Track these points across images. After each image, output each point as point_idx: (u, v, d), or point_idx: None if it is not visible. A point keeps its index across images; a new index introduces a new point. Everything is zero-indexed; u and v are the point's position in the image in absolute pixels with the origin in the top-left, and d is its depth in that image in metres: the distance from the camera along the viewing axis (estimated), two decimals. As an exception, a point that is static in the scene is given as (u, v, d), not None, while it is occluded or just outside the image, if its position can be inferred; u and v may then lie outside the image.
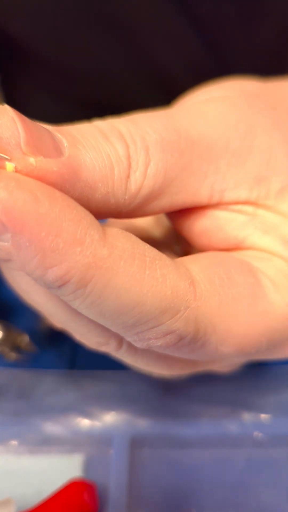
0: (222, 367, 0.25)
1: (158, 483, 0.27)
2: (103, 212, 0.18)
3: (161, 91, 0.48)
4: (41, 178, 0.16)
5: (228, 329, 0.18)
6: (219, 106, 0.21)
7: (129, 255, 0.16)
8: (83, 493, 0.25)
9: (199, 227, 0.21)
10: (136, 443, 0.28)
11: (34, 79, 0.52)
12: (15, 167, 0.16)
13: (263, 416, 0.28)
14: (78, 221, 0.15)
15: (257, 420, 0.28)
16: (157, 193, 0.19)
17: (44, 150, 0.16)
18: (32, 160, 0.16)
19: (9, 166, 0.16)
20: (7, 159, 0.16)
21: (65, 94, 0.52)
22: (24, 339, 0.31)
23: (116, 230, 0.17)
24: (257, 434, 0.28)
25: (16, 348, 0.31)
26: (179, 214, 0.22)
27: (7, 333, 0.31)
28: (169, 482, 0.27)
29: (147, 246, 0.17)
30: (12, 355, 0.31)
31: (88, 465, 0.28)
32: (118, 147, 0.18)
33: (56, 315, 0.21)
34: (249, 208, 0.21)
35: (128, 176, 0.18)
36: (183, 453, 0.28)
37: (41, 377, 0.30)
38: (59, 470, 0.27)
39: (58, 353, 0.31)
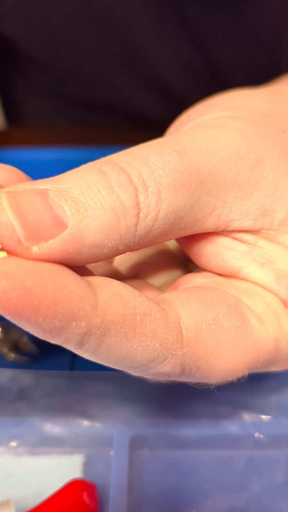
0: None
1: (158, 483, 0.27)
2: (112, 257, 0.19)
3: (154, 92, 0.48)
4: (47, 260, 0.17)
5: (211, 368, 0.20)
6: (230, 136, 0.21)
7: (120, 318, 0.17)
8: (83, 494, 0.25)
9: (200, 249, 0.22)
10: (136, 443, 0.28)
11: (30, 79, 0.52)
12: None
13: (264, 417, 0.28)
14: (70, 299, 0.16)
15: (257, 421, 0.28)
16: (167, 231, 0.19)
17: (45, 232, 0.17)
18: (35, 248, 0.17)
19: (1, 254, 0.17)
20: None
21: (61, 94, 0.52)
22: (24, 340, 0.31)
23: (108, 293, 0.17)
24: (258, 435, 0.28)
25: (16, 349, 0.31)
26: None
27: (7, 333, 0.31)
28: (169, 483, 0.27)
29: (139, 300, 0.18)
30: (12, 356, 0.31)
31: (88, 466, 0.28)
32: (124, 197, 0.18)
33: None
34: (251, 238, 0.21)
35: (136, 224, 0.18)
36: (183, 454, 0.28)
37: (41, 377, 0.30)
38: (59, 470, 0.27)
39: (58, 354, 0.31)
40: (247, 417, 0.28)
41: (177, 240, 0.23)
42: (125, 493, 0.26)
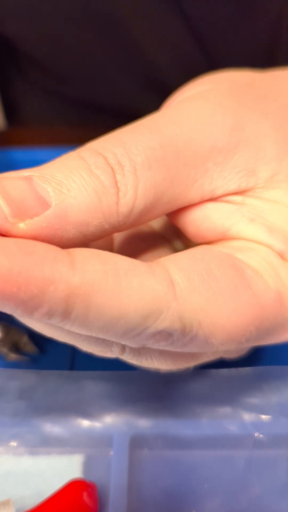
0: (228, 354, 0.25)
1: (158, 483, 0.27)
2: (100, 236, 0.19)
3: (154, 91, 0.48)
4: (35, 236, 0.18)
5: (213, 323, 0.19)
6: (204, 105, 0.21)
7: (102, 273, 0.17)
8: (83, 494, 0.25)
9: (188, 217, 0.22)
10: (136, 443, 0.28)
11: (29, 79, 0.52)
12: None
13: (264, 416, 0.28)
14: (41, 263, 0.16)
15: (257, 421, 0.28)
16: (150, 208, 0.20)
17: (31, 210, 0.18)
18: (22, 225, 0.18)
19: None
20: None
21: (60, 94, 0.52)
22: (24, 340, 0.31)
23: (84, 252, 0.18)
24: (258, 434, 0.28)
25: (16, 349, 0.31)
26: None
27: (7, 333, 0.31)
28: (169, 483, 0.27)
29: (120, 258, 0.18)
30: (12, 356, 0.31)
31: (88, 466, 0.28)
32: (103, 178, 0.18)
33: (55, 336, 0.22)
34: (237, 198, 0.22)
35: (117, 202, 0.19)
36: (183, 454, 0.28)
37: (41, 377, 0.30)
38: (59, 470, 0.27)
39: (58, 354, 0.31)
40: (247, 417, 0.28)
41: (168, 215, 0.23)
42: (125, 493, 0.26)
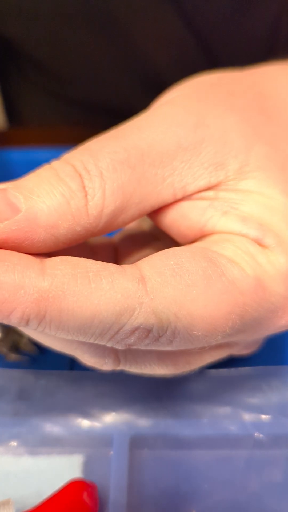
0: (235, 351, 0.25)
1: (158, 483, 0.27)
2: (75, 239, 0.20)
3: (154, 91, 0.48)
4: (5, 240, 0.19)
5: (191, 314, 0.19)
6: (168, 108, 0.23)
7: (71, 277, 0.18)
8: (83, 494, 0.25)
9: (168, 219, 0.23)
10: (136, 443, 0.28)
11: (29, 79, 0.52)
12: None
13: (264, 416, 0.28)
14: (12, 269, 0.18)
15: (257, 421, 0.28)
16: (121, 208, 0.21)
17: (1, 215, 0.19)
18: None
19: None
20: None
21: (60, 94, 0.52)
22: (24, 340, 0.31)
23: (55, 259, 0.19)
24: (258, 434, 0.28)
25: (16, 349, 0.31)
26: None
27: (7, 333, 0.31)
28: (169, 483, 0.27)
29: (91, 262, 0.19)
30: (12, 356, 0.31)
31: (88, 466, 0.28)
32: (71, 183, 0.20)
33: (50, 345, 0.24)
34: (210, 193, 0.22)
35: (86, 204, 0.20)
36: (183, 454, 0.28)
37: (41, 377, 0.30)
38: (59, 470, 0.27)
39: (58, 354, 0.31)
40: (247, 417, 0.28)
41: (150, 217, 0.24)
42: (125, 493, 0.26)
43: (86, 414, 0.28)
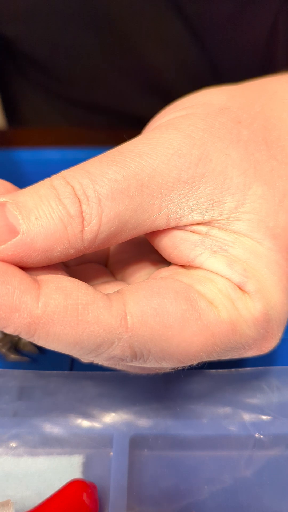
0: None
1: (158, 484, 0.27)
2: (66, 259, 0.21)
3: (153, 91, 0.49)
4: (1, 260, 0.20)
5: (162, 351, 0.21)
6: (173, 135, 0.22)
7: (62, 308, 0.19)
8: (83, 494, 0.25)
9: (161, 243, 0.23)
10: (136, 444, 0.28)
11: (29, 80, 0.52)
12: None
13: (264, 417, 0.28)
14: (12, 293, 0.19)
15: (257, 421, 0.28)
16: (115, 233, 0.21)
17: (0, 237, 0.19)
18: None
19: None
20: None
21: (59, 94, 0.52)
22: (24, 340, 0.31)
23: (51, 287, 0.20)
24: (258, 435, 0.28)
25: (16, 349, 0.31)
26: None
27: (7, 333, 0.31)
28: (169, 483, 0.27)
29: (82, 292, 0.20)
30: (12, 356, 0.31)
31: (88, 466, 0.28)
32: (70, 208, 0.20)
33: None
34: (203, 228, 0.23)
35: (82, 230, 0.20)
36: (183, 454, 0.28)
37: (41, 378, 0.30)
38: (58, 471, 0.27)
39: (58, 354, 0.31)
40: (247, 417, 0.28)
41: (145, 236, 0.24)
42: (125, 493, 0.26)
43: (86, 415, 0.28)
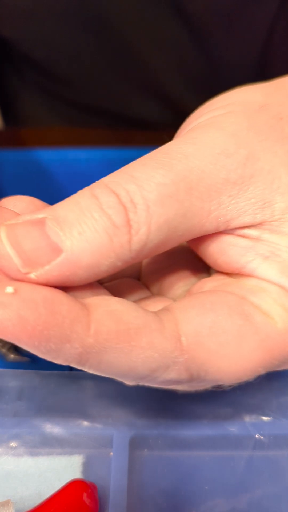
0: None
1: (158, 484, 0.27)
2: (112, 272, 0.20)
3: (150, 94, 0.49)
4: (46, 284, 0.18)
5: (219, 371, 0.20)
6: (217, 135, 0.21)
7: (114, 334, 0.18)
8: (83, 494, 0.25)
9: (207, 250, 0.22)
10: (136, 444, 0.28)
11: (26, 80, 0.52)
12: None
13: (264, 418, 0.28)
14: (61, 323, 0.18)
15: (258, 422, 0.28)
16: (164, 241, 0.20)
17: (42, 259, 0.18)
18: (32, 275, 0.18)
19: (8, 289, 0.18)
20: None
21: (57, 95, 0.52)
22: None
23: (101, 312, 0.19)
24: (258, 436, 0.28)
25: (16, 349, 0.31)
26: None
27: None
28: (169, 484, 0.27)
29: (133, 315, 0.19)
30: (12, 356, 0.31)
31: (88, 466, 0.28)
32: (115, 217, 0.19)
33: None
34: (254, 232, 0.21)
35: (130, 240, 0.19)
36: (184, 455, 0.28)
37: (41, 378, 0.30)
38: (59, 471, 0.27)
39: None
40: (247, 418, 0.28)
41: (188, 243, 0.23)
42: (125, 493, 0.26)
43: (86, 415, 0.28)
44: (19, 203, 0.22)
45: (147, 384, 0.21)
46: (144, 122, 0.50)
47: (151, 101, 0.50)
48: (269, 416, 0.28)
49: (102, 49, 0.45)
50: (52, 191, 0.42)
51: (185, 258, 0.26)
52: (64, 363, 0.18)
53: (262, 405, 0.29)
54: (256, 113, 0.22)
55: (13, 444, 0.28)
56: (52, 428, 0.28)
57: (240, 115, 0.22)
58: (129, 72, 0.47)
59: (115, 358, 0.18)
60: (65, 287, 0.19)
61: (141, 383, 0.21)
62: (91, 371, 0.19)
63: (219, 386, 0.23)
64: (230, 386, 0.23)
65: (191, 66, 0.46)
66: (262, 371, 0.21)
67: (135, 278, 0.27)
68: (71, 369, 0.31)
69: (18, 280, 0.18)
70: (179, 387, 0.23)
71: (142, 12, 0.42)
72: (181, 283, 0.25)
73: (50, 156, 0.43)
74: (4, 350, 0.31)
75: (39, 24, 0.44)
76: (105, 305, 0.19)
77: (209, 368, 0.20)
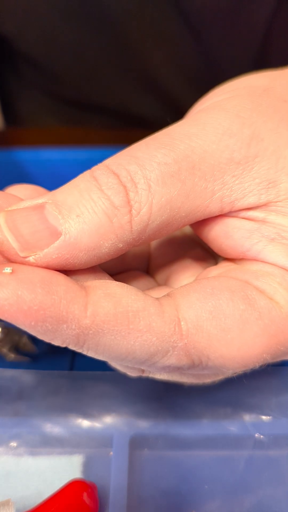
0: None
1: (158, 484, 0.27)
2: (116, 255, 0.20)
3: (149, 91, 0.49)
4: (46, 267, 0.19)
5: (222, 356, 0.19)
6: (220, 115, 0.21)
7: (111, 316, 0.18)
8: (83, 494, 0.25)
9: (211, 233, 0.22)
10: (136, 444, 0.28)
11: (25, 79, 0.52)
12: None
13: (264, 417, 0.28)
14: (58, 304, 0.17)
15: (257, 421, 0.28)
16: (166, 222, 0.20)
17: (41, 241, 0.18)
18: (31, 259, 0.18)
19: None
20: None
21: (57, 94, 0.52)
22: (24, 340, 0.31)
23: (99, 294, 0.18)
24: (258, 435, 0.28)
25: (16, 349, 0.31)
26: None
27: (7, 333, 0.31)
28: (169, 483, 0.27)
29: (132, 298, 0.19)
30: (12, 356, 0.31)
31: (88, 466, 0.28)
32: (114, 198, 0.19)
33: None
34: (259, 214, 0.21)
35: (130, 220, 0.19)
36: (183, 454, 0.28)
37: (41, 378, 0.30)
38: (59, 471, 0.27)
39: (58, 354, 0.31)
40: (247, 417, 0.28)
41: (191, 227, 0.23)
42: (125, 493, 0.26)
43: (86, 414, 0.28)
44: (23, 191, 0.22)
45: (149, 370, 0.20)
46: (144, 120, 0.50)
47: (151, 98, 0.49)
48: (269, 416, 0.28)
49: (101, 47, 0.45)
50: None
51: (193, 252, 0.26)
52: (63, 345, 0.18)
53: (262, 405, 0.29)
54: (260, 96, 0.22)
55: (14, 443, 0.28)
56: (52, 428, 0.28)
57: (244, 98, 0.22)
58: (128, 69, 0.47)
59: (113, 341, 0.18)
60: (68, 271, 0.19)
61: (144, 372, 0.21)
62: (90, 354, 0.19)
63: (226, 374, 0.22)
64: (234, 374, 0.22)
65: (190, 63, 0.46)
66: (268, 358, 0.20)
67: (143, 271, 0.26)
68: (71, 369, 0.31)
69: (18, 263, 0.19)
70: (186, 378, 0.23)
71: (142, 10, 0.42)
72: (187, 273, 0.25)
73: (50, 156, 0.43)
74: (4, 350, 0.31)
75: (38, 22, 0.44)
76: (104, 287, 0.19)
77: (210, 353, 0.19)
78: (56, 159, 0.43)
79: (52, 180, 0.42)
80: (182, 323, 0.19)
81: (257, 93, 0.23)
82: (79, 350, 0.19)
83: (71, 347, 0.18)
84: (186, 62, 0.46)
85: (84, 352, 0.19)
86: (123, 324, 0.18)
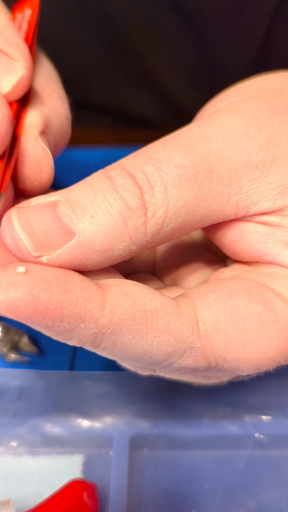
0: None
1: (158, 484, 0.27)
2: (128, 257, 0.19)
3: (149, 91, 0.48)
4: (58, 267, 0.18)
5: (238, 358, 0.19)
6: (238, 118, 0.21)
7: (130, 315, 0.18)
8: (83, 494, 0.25)
9: (226, 238, 0.22)
10: (136, 444, 0.28)
11: None
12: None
13: (264, 417, 0.28)
14: (75, 302, 0.17)
15: (257, 421, 0.28)
16: (181, 226, 0.19)
17: (54, 241, 0.18)
18: (44, 259, 0.18)
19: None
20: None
21: None
22: (24, 340, 0.31)
23: (116, 293, 0.18)
24: (258, 435, 0.28)
25: (16, 349, 0.31)
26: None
27: (7, 333, 0.31)
28: (169, 483, 0.27)
29: (150, 298, 0.19)
30: (12, 356, 0.31)
31: (88, 466, 0.28)
32: (129, 200, 0.18)
33: None
34: (275, 219, 0.21)
35: (145, 223, 0.18)
36: (183, 454, 0.28)
37: (41, 378, 0.30)
38: (59, 471, 0.27)
39: (58, 354, 0.31)
40: (247, 417, 0.28)
41: (203, 231, 0.23)
42: (125, 493, 0.26)
43: (86, 414, 0.28)
44: None
45: (163, 371, 0.20)
46: (144, 120, 0.50)
47: (151, 98, 0.49)
48: (269, 415, 0.28)
49: (102, 47, 0.45)
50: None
51: (199, 254, 0.26)
52: (78, 345, 0.18)
53: (262, 404, 0.29)
54: (276, 98, 0.22)
55: (14, 443, 0.28)
56: (52, 428, 0.28)
57: (260, 99, 0.22)
58: (129, 69, 0.47)
59: (130, 340, 0.18)
60: (80, 272, 0.19)
61: (157, 371, 0.20)
62: (105, 355, 0.19)
63: (237, 377, 0.22)
64: (248, 376, 0.22)
65: (190, 63, 0.46)
66: (281, 361, 0.20)
67: (149, 273, 0.26)
68: (71, 369, 0.31)
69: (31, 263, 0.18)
70: (196, 379, 0.23)
71: (142, 10, 0.42)
72: (195, 275, 0.25)
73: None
74: (4, 350, 0.31)
75: (38, 22, 0.44)
76: (121, 286, 0.19)
77: (227, 355, 0.19)
78: (55, 159, 0.43)
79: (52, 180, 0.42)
80: (200, 323, 0.19)
81: (272, 95, 0.22)
82: (94, 350, 0.18)
83: (87, 347, 0.18)
84: (186, 62, 0.46)
85: (99, 352, 0.18)
86: (141, 323, 0.18)
